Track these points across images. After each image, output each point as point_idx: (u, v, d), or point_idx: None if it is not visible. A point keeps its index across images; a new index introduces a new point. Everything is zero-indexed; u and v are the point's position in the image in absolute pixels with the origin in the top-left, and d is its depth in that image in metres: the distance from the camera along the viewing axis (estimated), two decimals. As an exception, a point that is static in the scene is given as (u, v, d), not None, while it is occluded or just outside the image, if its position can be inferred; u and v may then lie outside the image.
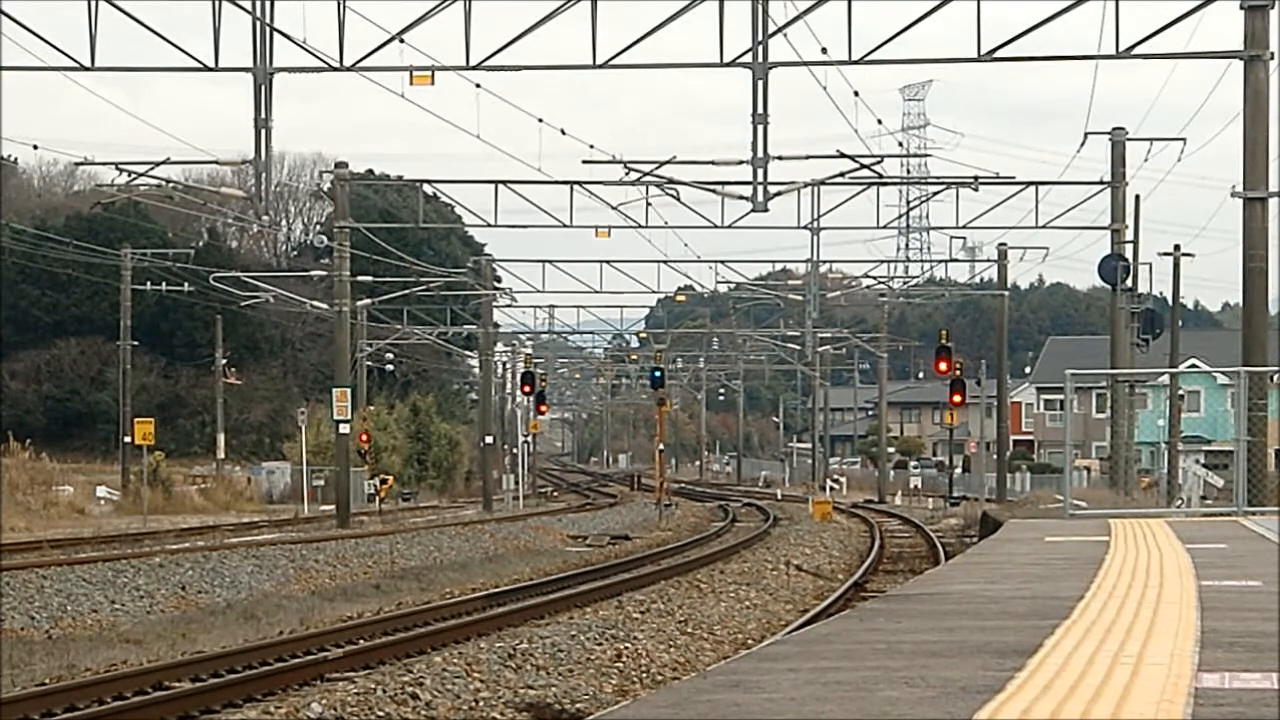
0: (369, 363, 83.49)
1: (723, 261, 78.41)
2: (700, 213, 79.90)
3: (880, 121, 49.34)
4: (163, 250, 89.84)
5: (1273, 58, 32.15)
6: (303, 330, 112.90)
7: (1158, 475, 58.24)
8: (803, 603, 29.66)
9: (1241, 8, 32.17)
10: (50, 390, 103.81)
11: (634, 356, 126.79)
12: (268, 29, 33.08)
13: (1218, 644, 10.12)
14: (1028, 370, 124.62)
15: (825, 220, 51.93)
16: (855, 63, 33.95)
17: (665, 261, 66.52)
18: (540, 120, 42.56)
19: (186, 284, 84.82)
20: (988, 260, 76.19)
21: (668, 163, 42.78)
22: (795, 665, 9.64)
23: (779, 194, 39.66)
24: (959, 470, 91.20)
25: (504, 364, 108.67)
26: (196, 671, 19.55)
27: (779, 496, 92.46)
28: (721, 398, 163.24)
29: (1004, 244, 68.40)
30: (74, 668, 20.51)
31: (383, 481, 71.87)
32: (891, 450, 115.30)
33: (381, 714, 16.62)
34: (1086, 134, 49.51)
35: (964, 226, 56.49)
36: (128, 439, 70.77)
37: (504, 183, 49.92)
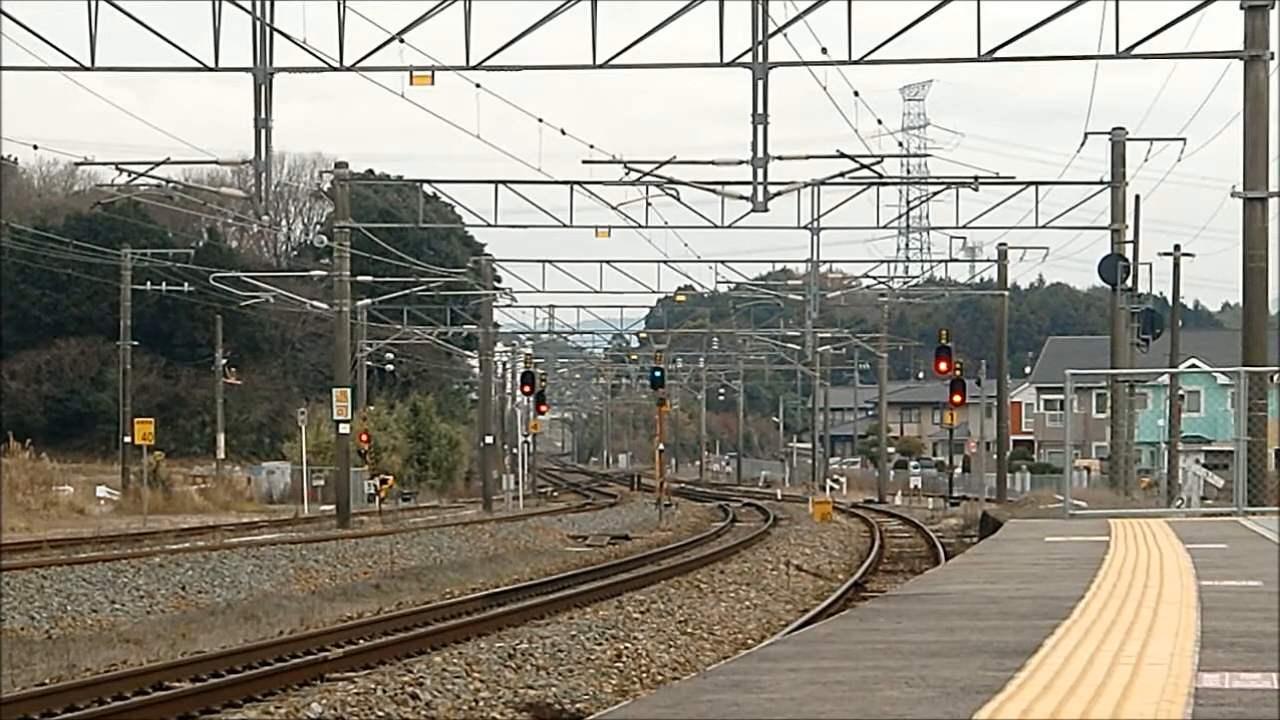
0: (369, 363, 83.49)
1: (723, 261, 78.62)
2: (700, 213, 79.90)
3: (880, 121, 49.48)
4: (163, 250, 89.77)
5: (1273, 58, 32.15)
6: (303, 330, 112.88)
7: (1158, 475, 58.28)
8: (803, 603, 29.65)
9: (1241, 8, 32.17)
10: (50, 390, 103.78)
11: (634, 356, 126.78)
12: (268, 29, 33.08)
13: (1218, 644, 10.12)
14: (1028, 370, 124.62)
15: (825, 220, 52.01)
16: (855, 63, 33.96)
17: (665, 261, 66.62)
18: (540, 120, 42.61)
19: (186, 284, 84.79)
20: (988, 260, 76.26)
21: (668, 163, 42.78)
22: (795, 665, 9.64)
23: (779, 194, 39.66)
24: (959, 470, 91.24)
25: (504, 364, 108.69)
26: (196, 671, 19.53)
27: (779, 496, 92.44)
28: (721, 398, 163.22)
29: (1004, 244, 68.46)
30: (74, 668, 20.50)
31: (383, 481, 71.89)
32: (891, 450, 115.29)
33: (381, 714, 16.61)
34: (1086, 134, 49.60)
35: (964, 226, 56.54)
36: (128, 439, 70.75)
37: (504, 183, 49.94)
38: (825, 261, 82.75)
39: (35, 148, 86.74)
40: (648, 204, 50.39)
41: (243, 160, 37.04)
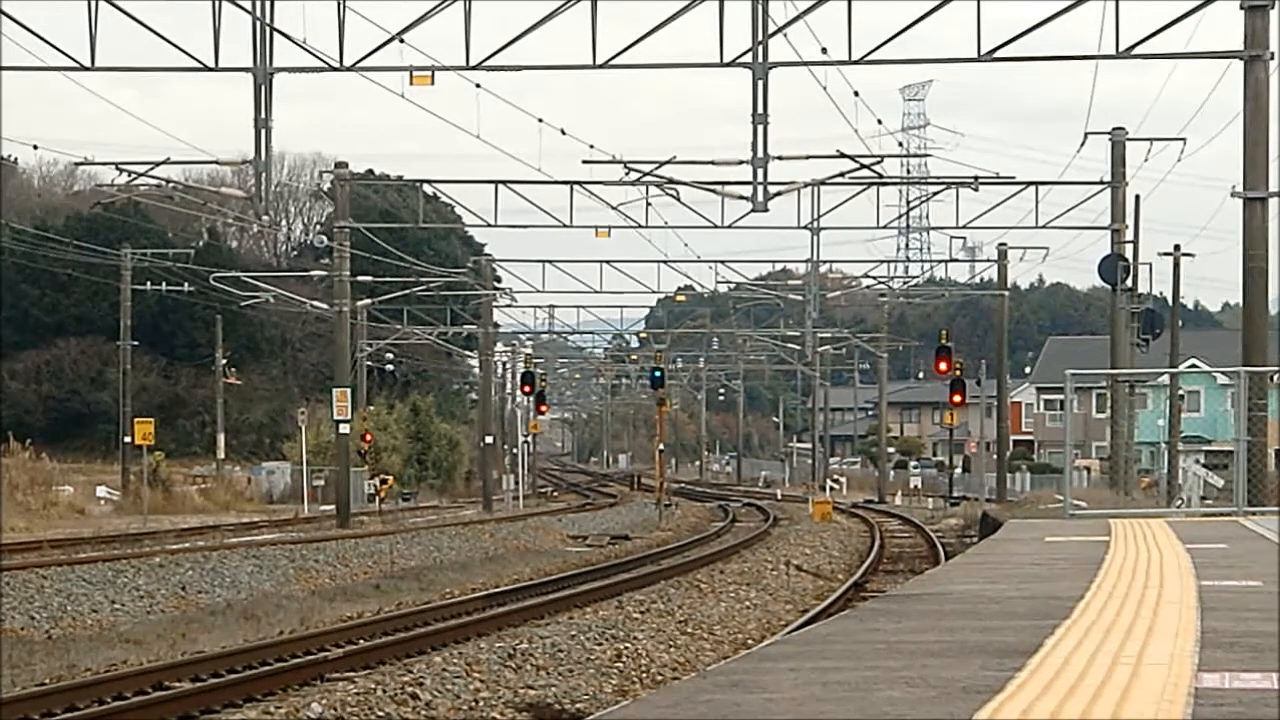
0: (369, 363, 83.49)
1: (723, 261, 78.59)
2: (700, 213, 79.76)
3: (880, 121, 49.53)
4: (163, 250, 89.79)
5: (1273, 58, 32.15)
6: (303, 330, 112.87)
7: (1158, 475, 58.24)
8: (803, 603, 29.64)
9: (1241, 8, 32.18)
10: (50, 390, 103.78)
11: (634, 356, 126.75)
12: (268, 29, 33.07)
13: (1218, 644, 10.12)
14: (1028, 370, 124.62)
15: (825, 220, 52.01)
16: (855, 63, 33.97)
17: (665, 261, 66.67)
18: (540, 120, 42.60)
19: (186, 284, 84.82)
20: (988, 260, 76.30)
21: (668, 163, 42.77)
22: (795, 665, 9.64)
23: (779, 194, 39.64)
24: (959, 470, 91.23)
25: (504, 364, 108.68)
26: (196, 671, 19.54)
27: (779, 496, 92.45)
28: (721, 398, 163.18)
29: (1004, 244, 68.46)
30: (74, 668, 20.50)
31: (383, 481, 71.90)
32: (891, 450, 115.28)
33: (381, 714, 16.61)
34: (1086, 134, 49.59)
35: (964, 226, 56.54)
36: (128, 439, 70.74)
37: (504, 183, 49.94)
38: (825, 261, 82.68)
39: (35, 148, 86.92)
40: (648, 204, 50.44)
41: (243, 160, 37.03)
